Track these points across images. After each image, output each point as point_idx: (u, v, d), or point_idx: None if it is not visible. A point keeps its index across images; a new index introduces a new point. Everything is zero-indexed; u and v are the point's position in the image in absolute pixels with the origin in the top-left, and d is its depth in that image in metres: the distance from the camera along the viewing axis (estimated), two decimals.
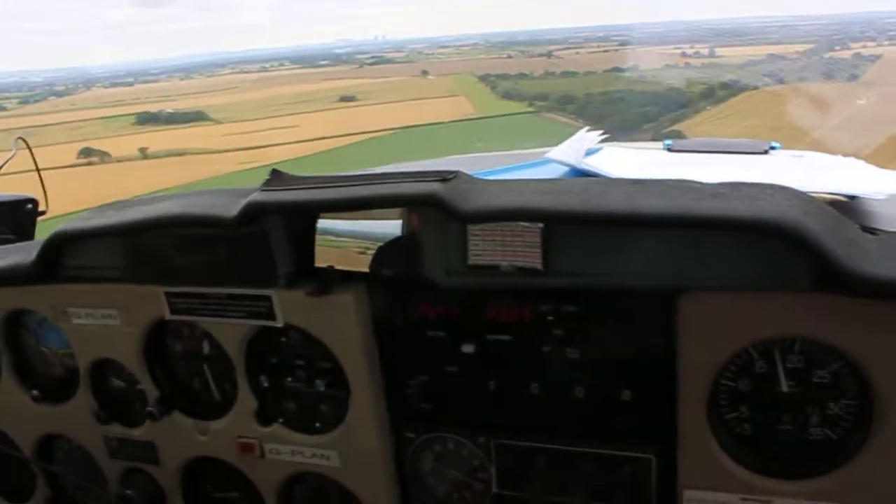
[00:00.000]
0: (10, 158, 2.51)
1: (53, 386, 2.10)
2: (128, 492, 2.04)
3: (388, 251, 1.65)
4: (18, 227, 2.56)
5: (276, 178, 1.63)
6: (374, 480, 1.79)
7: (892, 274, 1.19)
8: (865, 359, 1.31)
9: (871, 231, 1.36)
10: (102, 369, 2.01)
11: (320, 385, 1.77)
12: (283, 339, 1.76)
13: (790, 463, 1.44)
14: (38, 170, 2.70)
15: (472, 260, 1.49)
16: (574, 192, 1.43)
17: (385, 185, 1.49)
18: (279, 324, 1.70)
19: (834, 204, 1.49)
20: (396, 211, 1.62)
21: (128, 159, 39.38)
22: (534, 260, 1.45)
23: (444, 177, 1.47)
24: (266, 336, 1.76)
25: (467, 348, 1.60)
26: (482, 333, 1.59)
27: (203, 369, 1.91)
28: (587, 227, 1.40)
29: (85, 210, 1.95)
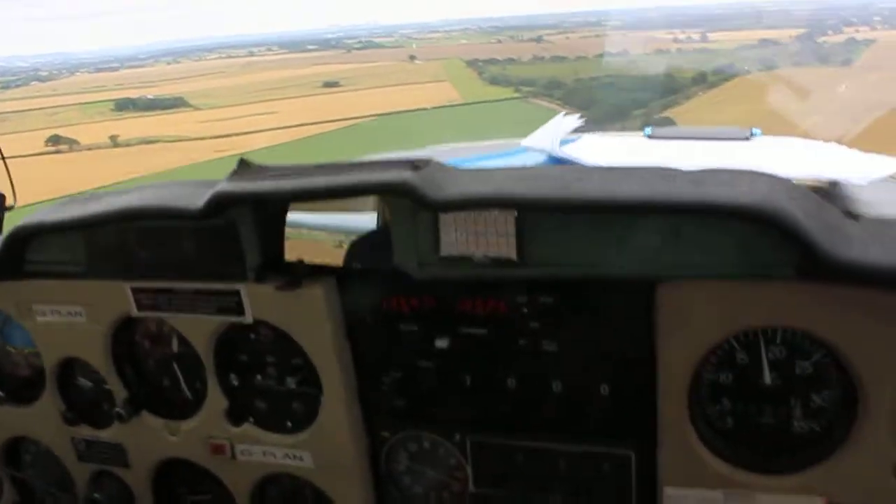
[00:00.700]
0: None
1: (19, 386, 2.08)
2: (96, 496, 2.02)
3: (361, 244, 1.66)
4: None
5: (244, 167, 1.61)
6: (349, 481, 1.78)
7: (876, 259, 1.18)
8: (849, 348, 1.30)
9: (854, 216, 1.35)
10: (69, 369, 1.99)
11: (291, 383, 1.76)
12: (253, 336, 1.75)
13: (773, 457, 1.43)
14: (4, 161, 2.61)
15: (445, 251, 1.48)
16: (549, 178, 1.43)
17: (354, 174, 1.47)
18: (248, 319, 1.68)
19: (816, 189, 1.49)
20: (372, 204, 1.64)
21: (98, 147, 38.81)
22: (508, 250, 1.43)
23: (415, 165, 1.45)
24: (236, 333, 1.75)
25: (441, 343, 1.59)
26: (456, 327, 1.58)
27: (172, 367, 1.90)
28: (563, 215, 1.38)
29: (52, 200, 1.91)
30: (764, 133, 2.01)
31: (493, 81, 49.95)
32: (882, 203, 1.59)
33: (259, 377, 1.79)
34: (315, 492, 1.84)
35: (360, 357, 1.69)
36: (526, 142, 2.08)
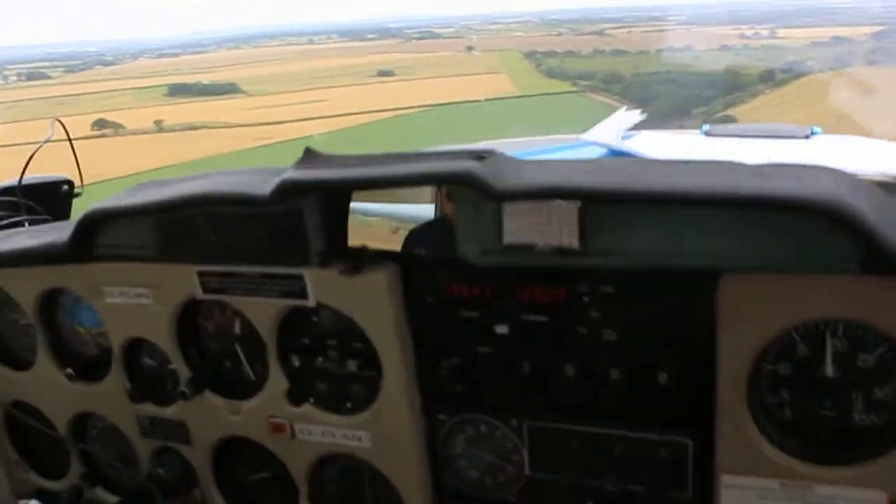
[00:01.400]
0: (45, 142, 2.57)
1: (87, 365, 2.16)
2: (159, 471, 2.09)
3: (421, 231, 1.67)
4: (54, 208, 2.64)
5: (310, 156, 1.66)
6: (406, 462, 1.82)
7: None
8: None
9: None
10: (135, 348, 2.07)
11: (352, 365, 1.80)
12: (315, 319, 1.80)
13: (832, 448, 1.44)
14: (74, 151, 2.77)
15: (508, 239, 1.50)
16: (612, 170, 1.45)
17: (420, 164, 1.51)
18: (311, 303, 1.73)
19: (881, 185, 1.47)
20: (428, 195, 1.69)
21: (144, 132, 39.47)
22: (571, 239, 1.45)
23: (479, 155, 1.49)
24: (298, 316, 1.80)
25: (501, 329, 1.62)
26: (516, 314, 1.61)
27: (235, 349, 1.96)
28: (625, 207, 1.41)
29: (103, 183, 1.98)
30: (829, 133, 2.02)
31: (551, 74, 49.56)
32: None
33: (320, 359, 1.84)
34: (372, 472, 1.89)
35: (420, 342, 1.73)
36: (587, 136, 2.12)
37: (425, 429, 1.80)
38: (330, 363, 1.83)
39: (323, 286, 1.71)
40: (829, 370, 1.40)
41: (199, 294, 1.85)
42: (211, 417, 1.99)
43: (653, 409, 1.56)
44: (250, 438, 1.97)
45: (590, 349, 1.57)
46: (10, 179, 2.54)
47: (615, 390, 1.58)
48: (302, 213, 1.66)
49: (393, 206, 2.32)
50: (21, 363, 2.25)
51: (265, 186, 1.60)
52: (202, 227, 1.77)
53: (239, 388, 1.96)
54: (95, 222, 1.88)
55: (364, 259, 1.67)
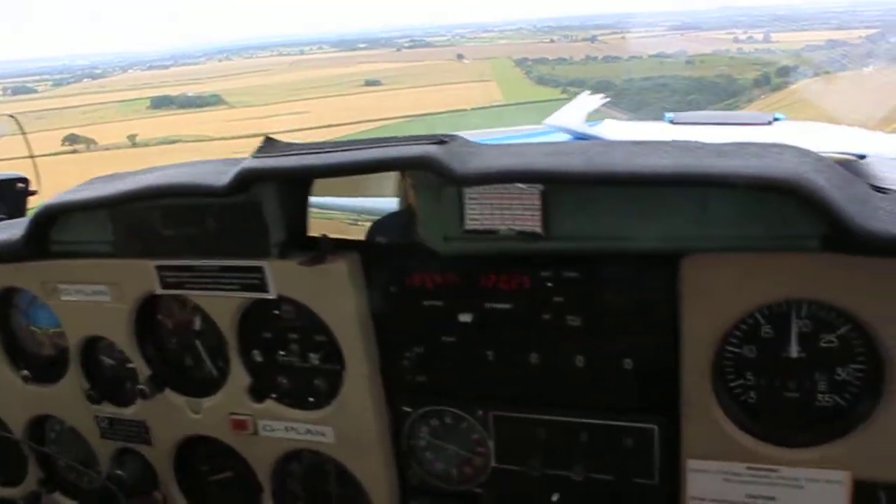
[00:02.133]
0: None
1: (44, 366, 2.17)
2: (119, 472, 2.08)
3: (384, 222, 1.70)
4: (9, 206, 2.66)
5: (269, 145, 1.67)
6: (370, 457, 1.82)
7: None
8: (875, 321, 1.33)
9: (882, 190, 1.37)
10: (93, 347, 2.07)
11: (314, 359, 1.80)
12: (276, 312, 1.80)
13: (797, 430, 1.46)
14: (30, 149, 2.86)
15: (470, 224, 1.52)
16: (574, 153, 1.45)
17: (379, 149, 1.51)
18: (272, 295, 1.73)
19: (842, 164, 1.49)
20: (393, 186, 1.72)
21: (116, 147, 39.16)
22: (533, 223, 1.46)
23: (440, 140, 1.49)
24: (259, 309, 1.80)
25: (465, 318, 1.63)
26: (480, 302, 1.62)
27: (195, 345, 1.96)
28: (588, 189, 1.42)
29: None
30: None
31: (541, 81, 49.33)
32: None
33: (282, 354, 1.84)
34: (337, 467, 1.89)
35: (382, 332, 1.73)
36: (550, 120, 2.12)
37: (389, 421, 1.81)
38: (292, 357, 1.83)
39: (283, 278, 1.71)
40: (794, 351, 1.42)
41: (158, 289, 1.85)
42: (171, 416, 1.99)
43: (618, 396, 1.58)
44: (212, 437, 1.97)
45: (554, 336, 1.58)
46: None
47: (580, 377, 1.60)
48: (261, 204, 1.66)
49: (357, 200, 2.27)
50: None
51: (222, 177, 1.61)
52: (159, 221, 1.77)
53: (200, 385, 1.96)
54: (51, 218, 1.88)
55: (325, 248, 1.67)
